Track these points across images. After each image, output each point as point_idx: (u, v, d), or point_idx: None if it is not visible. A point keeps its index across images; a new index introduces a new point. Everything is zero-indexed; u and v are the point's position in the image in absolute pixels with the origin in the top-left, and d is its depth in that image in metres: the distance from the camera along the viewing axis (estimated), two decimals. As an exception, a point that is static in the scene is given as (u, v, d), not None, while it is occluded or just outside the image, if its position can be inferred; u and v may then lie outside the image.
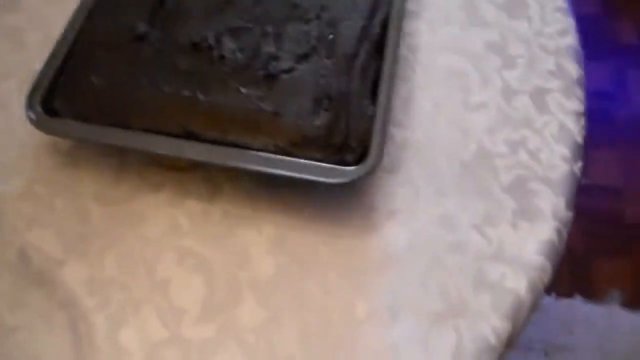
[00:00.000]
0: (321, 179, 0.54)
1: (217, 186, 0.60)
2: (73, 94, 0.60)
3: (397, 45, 0.62)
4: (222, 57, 0.61)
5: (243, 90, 0.59)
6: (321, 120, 0.57)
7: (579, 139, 0.63)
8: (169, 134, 0.57)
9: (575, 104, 0.64)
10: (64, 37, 0.63)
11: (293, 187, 0.59)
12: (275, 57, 0.61)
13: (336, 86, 0.59)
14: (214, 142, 0.57)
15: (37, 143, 0.63)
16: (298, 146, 0.56)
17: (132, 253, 0.57)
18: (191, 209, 0.59)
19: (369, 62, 0.61)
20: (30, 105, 0.59)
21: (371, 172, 0.54)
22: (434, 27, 0.70)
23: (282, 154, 0.56)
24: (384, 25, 0.63)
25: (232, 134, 0.57)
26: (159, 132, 0.57)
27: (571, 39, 0.69)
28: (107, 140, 0.58)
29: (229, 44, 0.62)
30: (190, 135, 0.57)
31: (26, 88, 0.61)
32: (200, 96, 0.58)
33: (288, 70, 0.60)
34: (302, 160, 0.55)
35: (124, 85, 0.60)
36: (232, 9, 0.64)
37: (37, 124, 0.58)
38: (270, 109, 0.58)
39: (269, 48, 0.61)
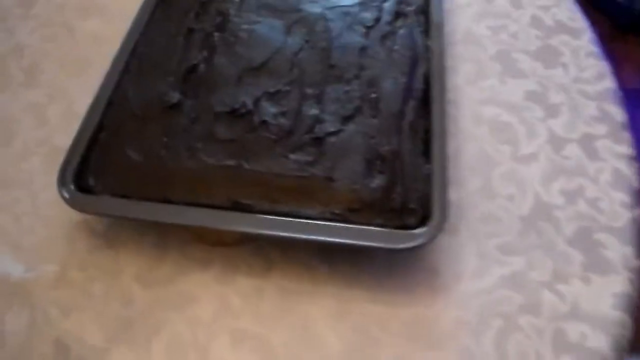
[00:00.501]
0: (387, 245, 0.51)
1: (269, 260, 0.56)
2: (108, 169, 0.56)
3: (443, 100, 0.60)
4: (263, 122, 0.58)
5: (291, 156, 0.56)
6: (377, 182, 0.54)
7: (635, 184, 0.61)
8: (213, 207, 0.54)
9: (624, 147, 0.63)
10: (92, 109, 0.60)
11: (351, 256, 0.56)
12: (319, 120, 0.58)
13: (387, 146, 0.56)
14: (263, 212, 0.53)
15: (69, 224, 0.59)
16: (356, 211, 0.53)
17: (182, 338, 0.52)
18: (243, 287, 0.54)
19: (417, 119, 0.59)
20: (62, 183, 0.55)
21: (436, 234, 0.51)
22: (472, 81, 0.68)
23: (340, 221, 0.52)
24: (426, 81, 0.62)
25: (284, 203, 0.53)
26: (202, 205, 0.54)
27: (609, 82, 0.68)
28: (147, 216, 0.54)
29: (269, 108, 0.59)
30: (237, 207, 0.53)
31: (50, 166, 0.57)
32: (246, 165, 0.55)
33: (335, 132, 0.57)
34: (362, 227, 0.52)
35: (162, 157, 0.56)
36: (267, 73, 0.62)
37: (72, 202, 0.54)
38: (322, 174, 0.55)
39: (312, 110, 0.59)
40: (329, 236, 0.51)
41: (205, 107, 0.60)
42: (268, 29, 0.66)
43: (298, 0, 0.69)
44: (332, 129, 0.57)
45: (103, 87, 0.62)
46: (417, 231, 0.51)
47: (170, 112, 0.60)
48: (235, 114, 0.59)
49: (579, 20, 0.76)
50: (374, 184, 0.54)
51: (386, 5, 0.69)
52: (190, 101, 0.60)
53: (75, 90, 0.65)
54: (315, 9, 0.68)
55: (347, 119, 0.58)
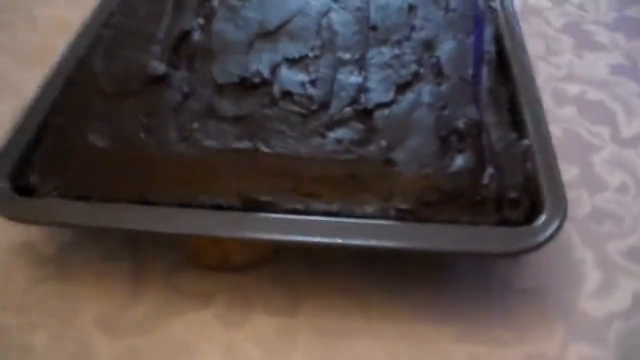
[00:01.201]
0: (492, 250, 0.33)
1: (296, 288, 0.37)
2: (60, 162, 0.39)
3: (526, 62, 0.44)
4: (287, 93, 0.41)
5: (330, 134, 0.38)
6: (458, 164, 0.37)
7: None
8: (216, 208, 0.36)
9: None
10: (44, 90, 0.43)
11: (416, 273, 0.38)
12: (364, 89, 0.41)
13: (464, 117, 0.39)
14: (291, 212, 0.35)
15: (4, 244, 0.40)
16: (431, 205, 0.35)
17: (170, 414, 0.33)
18: (260, 329, 0.36)
19: (496, 85, 0.42)
20: (-9, 183, 0.37)
21: (558, 230, 0.34)
22: (542, 56, 0.54)
23: (408, 220, 0.35)
24: (498, 43, 0.46)
25: (323, 198, 0.36)
26: (199, 207, 0.36)
27: None
28: (117, 223, 0.36)
29: (293, 77, 0.42)
30: (251, 206, 0.36)
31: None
32: (264, 148, 0.38)
33: (388, 104, 0.40)
34: (446, 225, 0.34)
35: (140, 142, 0.39)
36: (288, 37, 0.46)
37: (5, 208, 0.36)
38: (377, 157, 0.37)
39: (352, 78, 0.42)
40: (399, 241, 0.34)
41: (203, 79, 0.43)
42: (283, -7, 0.50)
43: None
44: (384, 99, 0.41)
45: (61, 63, 0.45)
46: (530, 227, 0.34)
47: (153, 88, 0.43)
48: (245, 85, 0.42)
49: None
50: (454, 166, 0.37)
51: (431, -33, 0.54)
52: (182, 73, 0.44)
53: (31, 85, 0.48)
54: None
55: (402, 87, 0.42)
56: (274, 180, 0.37)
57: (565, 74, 0.52)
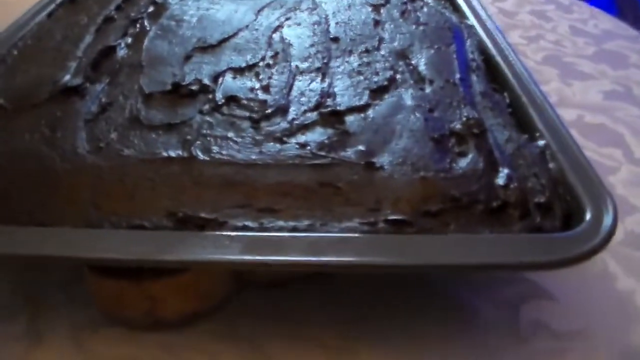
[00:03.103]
0: (536, 260, 0.23)
1: (256, 347, 0.26)
2: None
3: (521, 70, 0.37)
4: (233, 98, 0.32)
5: (291, 139, 0.29)
6: (463, 166, 0.28)
7: None
8: (139, 228, 0.25)
9: None
10: None
11: (419, 315, 0.27)
12: (329, 94, 0.33)
13: (462, 117, 0.31)
14: (242, 230, 0.25)
15: None
16: (435, 215, 0.26)
17: None
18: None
19: (489, 91, 0.35)
20: None
21: (613, 232, 0.25)
22: None
23: (409, 232, 0.25)
24: (482, 53, 0.39)
25: (286, 212, 0.26)
26: (127, 226, 0.25)
27: None
28: (17, 248, 0.25)
29: (239, 83, 0.34)
30: (189, 227, 0.25)
31: None
32: (203, 156, 0.28)
33: (362, 107, 0.32)
34: (460, 235, 0.25)
35: (39, 155, 0.29)
36: (232, 50, 0.38)
37: None
38: (356, 161, 0.28)
39: (313, 84, 0.34)
40: (396, 255, 0.24)
41: (127, 91, 0.34)
42: (228, 13, 0.44)
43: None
44: (357, 103, 0.32)
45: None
46: (574, 232, 0.25)
47: (62, 100, 0.33)
48: (180, 93, 0.33)
49: (629, 29, 0.59)
50: (457, 169, 0.28)
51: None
52: (101, 86, 0.35)
53: None
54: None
55: (377, 92, 0.34)
56: (217, 194, 0.27)
57: (556, 100, 0.46)
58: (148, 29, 0.41)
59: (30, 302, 0.28)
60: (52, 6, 0.45)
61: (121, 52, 0.38)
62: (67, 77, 0.35)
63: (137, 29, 0.41)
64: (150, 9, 0.44)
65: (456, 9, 0.46)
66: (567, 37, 0.56)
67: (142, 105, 0.32)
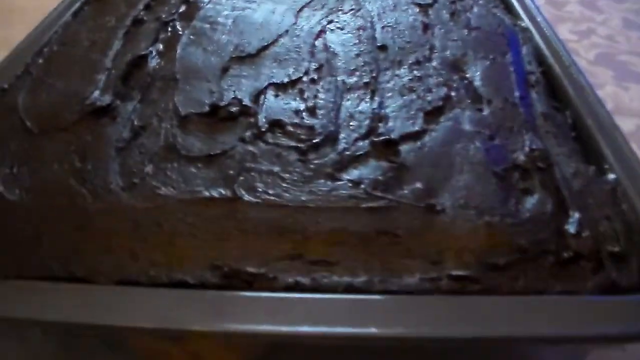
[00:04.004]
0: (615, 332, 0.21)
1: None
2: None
3: (585, 85, 0.34)
4: (277, 123, 0.30)
5: (342, 175, 0.27)
6: (529, 209, 0.26)
7: None
8: (181, 285, 0.23)
9: None
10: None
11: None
12: (381, 117, 0.31)
13: (524, 148, 0.29)
14: (295, 288, 0.23)
15: None
16: (502, 269, 0.24)
17: None
18: None
19: (552, 111, 0.32)
20: None
21: None
22: None
23: (473, 291, 0.23)
24: (540, 64, 0.36)
25: (340, 265, 0.24)
26: (155, 285, 0.23)
27: None
28: (29, 312, 0.23)
29: (283, 103, 0.31)
30: (235, 282, 0.23)
31: None
32: (248, 197, 0.26)
33: (418, 134, 0.30)
34: (528, 298, 0.23)
35: (65, 194, 0.27)
36: (273, 60, 0.35)
37: None
38: (414, 203, 0.26)
39: (362, 105, 0.32)
40: (465, 327, 0.22)
41: (162, 111, 0.32)
42: (265, 14, 0.41)
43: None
44: (411, 129, 0.30)
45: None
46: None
47: (92, 123, 0.31)
48: (219, 117, 0.31)
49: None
50: (524, 212, 0.25)
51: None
52: (133, 104, 0.32)
53: None
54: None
55: (432, 114, 0.31)
56: (264, 243, 0.25)
57: (612, 107, 0.43)
58: (180, 32, 0.39)
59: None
60: (78, 4, 0.43)
61: (153, 62, 0.36)
62: (96, 94, 0.32)
63: (169, 33, 0.39)
64: (182, 8, 0.42)
65: (507, 6, 0.43)
66: (620, 31, 0.52)
67: (178, 130, 0.30)
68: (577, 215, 0.25)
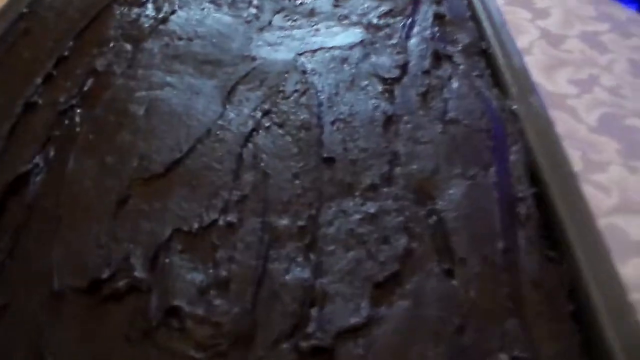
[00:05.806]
0: None
1: None
2: None
3: (592, 227, 0.26)
4: (173, 310, 0.22)
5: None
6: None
7: None
8: None
9: None
10: None
11: None
12: (315, 296, 0.23)
13: (504, 349, 0.21)
14: None
15: None
16: None
17: None
18: None
19: (544, 273, 0.25)
20: None
21: None
22: (579, 171, 0.37)
23: None
24: (533, 178, 0.28)
25: None
26: None
27: None
28: None
29: (184, 272, 0.24)
30: None
31: None
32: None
33: (360, 330, 0.22)
34: None
35: None
36: (183, 183, 0.27)
37: None
38: None
39: (293, 272, 0.24)
40: None
41: (31, 275, 0.24)
42: (187, 97, 0.32)
43: (246, 40, 0.36)
44: (354, 319, 0.22)
45: None
46: None
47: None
48: (101, 294, 0.23)
49: None
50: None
51: (412, 43, 0.37)
52: (-6, 266, 0.25)
53: None
54: (282, 54, 0.35)
55: (384, 287, 0.23)
56: None
57: (616, 203, 0.35)
58: (78, 129, 0.30)
59: None
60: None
61: (34, 187, 0.28)
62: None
63: (63, 131, 0.30)
64: (88, 85, 0.33)
65: (494, 71, 0.34)
66: (627, 80, 0.44)
67: (47, 316, 0.22)
68: None
